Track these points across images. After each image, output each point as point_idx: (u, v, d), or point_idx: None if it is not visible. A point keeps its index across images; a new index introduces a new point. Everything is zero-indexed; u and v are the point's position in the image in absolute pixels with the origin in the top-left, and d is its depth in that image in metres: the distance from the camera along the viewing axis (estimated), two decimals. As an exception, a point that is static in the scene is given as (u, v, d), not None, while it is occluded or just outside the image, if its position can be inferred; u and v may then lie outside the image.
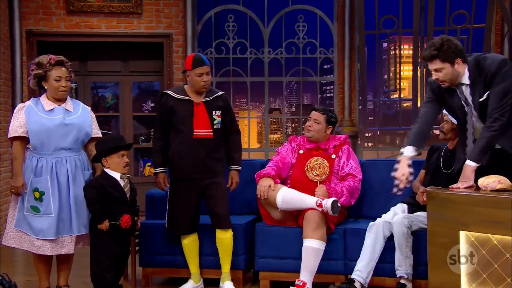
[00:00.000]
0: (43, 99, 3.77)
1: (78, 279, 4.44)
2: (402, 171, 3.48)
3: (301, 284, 3.74)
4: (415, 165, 4.25)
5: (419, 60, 6.61)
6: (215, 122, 3.93)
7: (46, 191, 3.68)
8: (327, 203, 3.76)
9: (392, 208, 4.03)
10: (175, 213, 3.96)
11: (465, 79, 3.36)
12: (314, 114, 4.22)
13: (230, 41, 6.77)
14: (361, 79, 6.74)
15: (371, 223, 3.88)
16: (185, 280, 4.07)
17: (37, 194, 3.68)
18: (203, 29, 6.77)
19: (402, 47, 6.83)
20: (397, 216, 3.83)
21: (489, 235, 3.04)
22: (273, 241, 4.05)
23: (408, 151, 3.52)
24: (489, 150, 3.31)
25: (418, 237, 3.74)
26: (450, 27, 6.45)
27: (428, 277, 3.29)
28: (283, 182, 4.12)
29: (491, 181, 3.16)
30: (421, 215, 3.80)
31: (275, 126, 7.96)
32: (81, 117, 3.80)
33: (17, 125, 3.69)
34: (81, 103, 3.94)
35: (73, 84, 6.90)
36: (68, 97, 3.85)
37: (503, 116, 3.26)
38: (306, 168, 4.07)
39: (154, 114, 6.91)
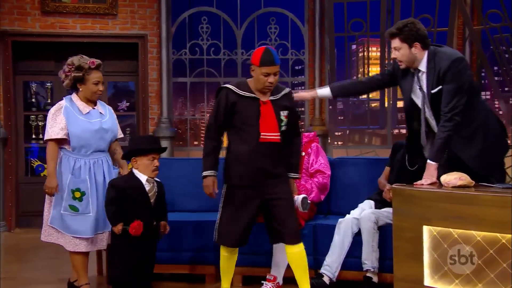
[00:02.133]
0: (77, 100, 3.76)
1: (54, 275, 4.39)
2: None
3: (272, 279, 3.76)
4: (380, 162, 4.34)
5: (386, 61, 6.69)
6: (282, 124, 3.41)
7: (87, 192, 3.67)
8: (297, 199, 3.77)
9: (359, 205, 4.08)
10: (228, 223, 3.49)
11: (423, 66, 3.39)
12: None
13: (204, 42, 6.75)
14: (331, 80, 6.77)
15: (340, 220, 3.92)
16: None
17: (77, 194, 3.67)
18: (178, 31, 6.73)
19: (370, 49, 6.89)
20: (364, 212, 3.89)
21: (451, 229, 3.10)
22: (246, 237, 4.05)
23: (322, 90, 3.81)
24: (446, 149, 3.39)
25: (384, 232, 3.80)
26: (416, 30, 6.53)
27: (393, 270, 3.35)
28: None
29: (452, 178, 3.23)
30: (387, 210, 3.86)
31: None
32: (111, 119, 3.85)
33: (58, 127, 3.67)
34: (106, 105, 3.94)
35: (48, 84, 6.80)
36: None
37: (457, 115, 3.31)
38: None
39: (130, 113, 6.91)
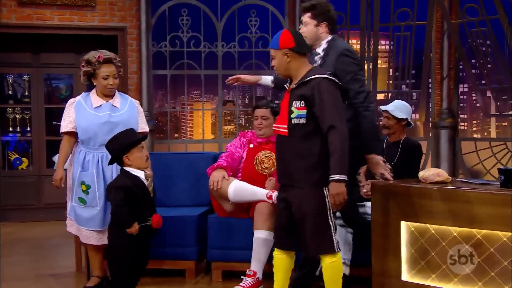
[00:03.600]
0: (93, 94, 3.76)
1: (31, 271, 4.32)
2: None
3: (252, 274, 3.73)
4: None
5: (366, 54, 6.69)
6: (292, 116, 3.05)
7: (92, 185, 3.64)
8: (277, 195, 3.75)
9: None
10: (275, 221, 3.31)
11: (320, 49, 3.42)
12: (259, 111, 4.11)
13: (184, 34, 6.66)
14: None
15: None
16: None
17: (83, 187, 3.65)
18: (157, 23, 6.62)
19: (350, 41, 6.87)
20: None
21: (427, 225, 3.11)
22: (225, 233, 4.03)
23: (265, 77, 3.83)
24: (377, 135, 3.39)
25: (361, 226, 3.76)
26: (395, 24, 6.53)
27: (372, 265, 3.35)
28: (234, 176, 4.09)
29: (430, 174, 3.24)
30: (366, 204, 3.86)
31: (228, 117, 7.88)
32: (127, 113, 3.75)
33: (68, 120, 3.70)
34: (130, 98, 3.86)
35: (26, 76, 6.67)
36: (117, 93, 3.81)
37: (365, 101, 3.27)
38: (255, 162, 4.05)
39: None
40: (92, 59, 3.69)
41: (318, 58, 3.44)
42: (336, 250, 3.02)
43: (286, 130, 3.06)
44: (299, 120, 3.03)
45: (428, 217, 3.10)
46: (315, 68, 3.16)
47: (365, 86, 3.37)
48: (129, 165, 3.32)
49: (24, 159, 6.63)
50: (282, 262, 3.23)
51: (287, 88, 3.19)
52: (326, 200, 3.00)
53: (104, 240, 3.67)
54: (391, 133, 3.98)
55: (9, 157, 6.60)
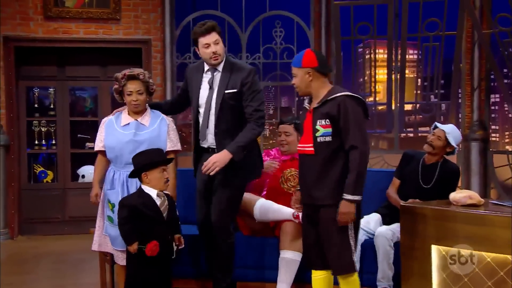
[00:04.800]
0: (124, 113, 3.77)
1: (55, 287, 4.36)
2: None
3: (277, 295, 3.72)
4: (388, 175, 4.27)
5: (394, 64, 6.62)
6: (317, 134, 3.13)
7: (116, 204, 3.61)
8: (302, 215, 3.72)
9: (366, 216, 4.02)
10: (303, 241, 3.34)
11: (221, 66, 3.61)
12: (283, 127, 4.12)
13: (208, 46, 6.69)
14: (337, 83, 6.71)
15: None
16: None
17: (110, 206, 3.67)
18: (182, 35, 6.67)
19: (377, 51, 6.81)
20: (380, 229, 3.81)
21: (460, 250, 3.05)
22: (251, 252, 4.01)
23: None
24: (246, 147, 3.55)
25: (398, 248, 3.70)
26: (423, 34, 6.45)
27: (401, 288, 3.31)
28: (258, 194, 4.07)
29: (462, 196, 3.17)
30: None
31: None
32: (155, 131, 3.70)
33: (99, 139, 3.75)
34: (162, 116, 3.78)
35: (51, 89, 6.77)
36: (149, 110, 3.77)
37: (261, 118, 3.55)
38: (280, 180, 4.04)
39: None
40: (119, 76, 3.72)
41: (217, 75, 3.62)
42: (356, 269, 3.13)
43: (312, 149, 3.13)
44: (324, 138, 3.10)
45: (460, 241, 3.03)
46: (337, 87, 3.25)
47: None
48: (147, 183, 3.37)
49: (49, 172, 6.72)
50: (320, 283, 3.25)
51: (307, 108, 3.23)
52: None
53: None
54: (433, 153, 3.91)
55: (35, 170, 6.70)
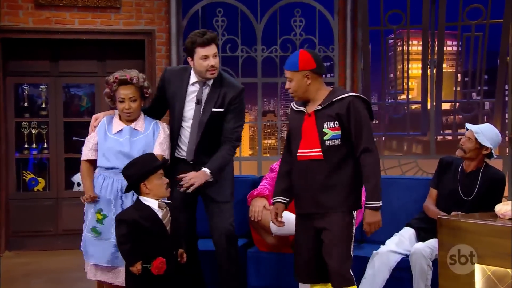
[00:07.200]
0: (115, 118, 3.82)
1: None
2: None
3: (297, 319, 3.72)
4: (422, 183, 4.24)
5: (429, 58, 6.60)
6: (325, 137, 3.25)
7: (109, 214, 3.67)
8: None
9: (397, 234, 3.99)
10: (295, 255, 3.48)
11: (211, 80, 3.76)
12: None
13: (219, 37, 6.71)
14: (365, 80, 6.71)
15: (374, 252, 3.85)
16: None
17: (99, 216, 3.69)
18: (189, 25, 6.70)
19: (410, 42, 6.79)
20: (417, 246, 3.78)
21: (508, 269, 3.02)
22: (267, 269, 4.04)
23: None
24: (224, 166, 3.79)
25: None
26: (464, 23, 6.43)
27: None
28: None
29: (509, 209, 3.14)
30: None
31: (269, 130, 7.95)
32: (148, 136, 3.77)
33: (87, 148, 3.81)
34: (155, 121, 3.86)
35: (43, 86, 6.83)
36: (142, 115, 3.84)
37: (238, 140, 3.82)
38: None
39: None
40: (110, 79, 3.73)
41: (206, 89, 3.77)
42: (354, 282, 3.25)
43: (321, 153, 3.25)
44: (333, 142, 3.25)
45: (508, 260, 3.00)
46: (337, 87, 3.47)
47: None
48: (147, 194, 3.35)
49: (40, 179, 6.77)
50: None
51: (304, 111, 3.32)
52: (353, 225, 3.29)
53: (114, 279, 3.70)
54: (466, 157, 3.87)
55: (24, 177, 6.75)
